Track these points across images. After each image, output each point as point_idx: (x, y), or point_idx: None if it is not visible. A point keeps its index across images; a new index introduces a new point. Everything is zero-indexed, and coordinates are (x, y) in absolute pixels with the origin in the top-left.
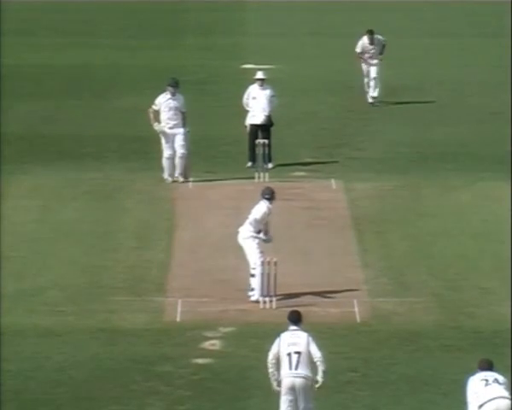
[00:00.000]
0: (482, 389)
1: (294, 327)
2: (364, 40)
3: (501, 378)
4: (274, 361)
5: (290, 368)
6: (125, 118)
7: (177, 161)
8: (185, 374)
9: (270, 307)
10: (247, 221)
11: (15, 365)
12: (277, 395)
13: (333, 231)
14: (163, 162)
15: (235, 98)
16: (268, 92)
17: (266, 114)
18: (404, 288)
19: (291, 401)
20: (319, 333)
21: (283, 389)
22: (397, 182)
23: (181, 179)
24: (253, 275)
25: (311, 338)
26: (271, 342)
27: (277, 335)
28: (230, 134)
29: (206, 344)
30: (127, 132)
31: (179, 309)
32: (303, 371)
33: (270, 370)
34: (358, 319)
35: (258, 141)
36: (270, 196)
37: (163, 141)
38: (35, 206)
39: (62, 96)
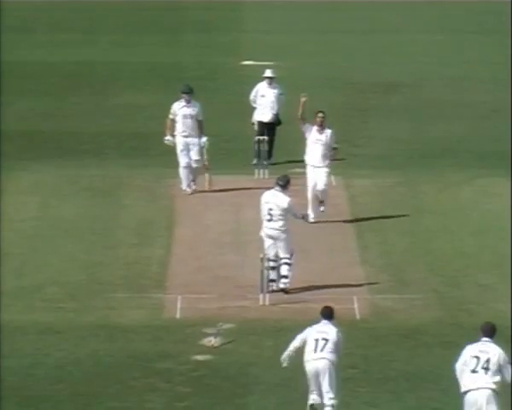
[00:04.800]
0: (468, 373)
1: (326, 321)
2: (313, 129)
3: (493, 361)
4: (297, 345)
5: (315, 351)
6: (125, 115)
7: (193, 170)
8: (185, 371)
9: (264, 304)
10: (276, 216)
11: (15, 361)
12: (277, 391)
13: (332, 227)
14: (180, 172)
15: (234, 95)
16: (276, 91)
17: (274, 112)
18: (404, 284)
19: (317, 377)
20: None
21: (308, 372)
22: (396, 178)
23: (194, 187)
24: (288, 263)
25: (340, 334)
26: (271, 339)
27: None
28: (229, 131)
29: (206, 341)
30: (126, 129)
31: (179, 306)
32: (327, 354)
33: (290, 348)
34: (358, 316)
35: (257, 138)
36: (284, 183)
37: (178, 150)
38: (34, 202)
39: (62, 93)
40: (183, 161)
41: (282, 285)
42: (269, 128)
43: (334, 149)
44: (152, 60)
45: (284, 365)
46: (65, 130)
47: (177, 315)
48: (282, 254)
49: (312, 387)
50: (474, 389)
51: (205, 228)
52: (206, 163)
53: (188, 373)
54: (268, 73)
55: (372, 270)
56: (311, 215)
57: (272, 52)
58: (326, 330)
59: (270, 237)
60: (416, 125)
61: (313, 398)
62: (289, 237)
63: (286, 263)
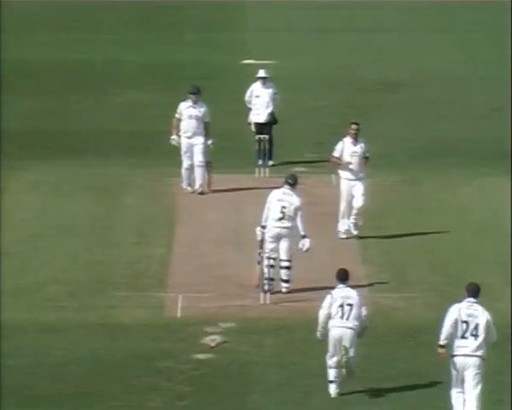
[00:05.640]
0: (458, 338)
1: (343, 285)
2: (346, 142)
3: (481, 326)
4: (324, 319)
5: (342, 318)
6: (126, 113)
7: (196, 170)
8: (185, 369)
9: (264, 303)
10: (288, 215)
11: (16, 360)
12: (278, 390)
13: (333, 226)
14: (182, 172)
15: (235, 94)
16: (271, 90)
17: (269, 112)
18: (405, 283)
19: (339, 343)
20: None
21: (332, 337)
22: (397, 177)
23: (199, 190)
24: (288, 267)
25: (360, 295)
26: (271, 338)
27: (328, 293)
28: (230, 130)
29: (207, 340)
30: (128, 128)
31: (179, 305)
32: (352, 322)
33: (320, 326)
34: None
35: (258, 136)
36: (294, 182)
37: (182, 151)
38: (35, 201)
39: (62, 92)
40: (185, 162)
41: (284, 290)
42: (265, 128)
43: (366, 158)
44: (153, 58)
45: (321, 339)
46: (65, 129)
47: (178, 314)
48: (283, 256)
49: (332, 351)
50: (463, 355)
51: (206, 227)
52: (209, 165)
53: (189, 372)
54: (261, 73)
55: (373, 269)
56: (341, 230)
57: (273, 51)
58: (349, 295)
59: (277, 236)
60: (417, 124)
61: (334, 391)
62: (294, 238)
63: (286, 267)
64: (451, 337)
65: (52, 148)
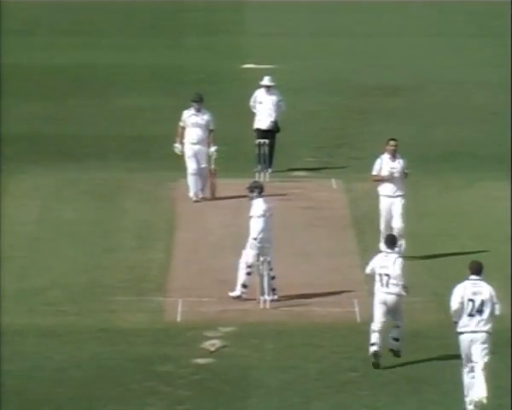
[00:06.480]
0: (465, 316)
1: (389, 250)
2: (384, 158)
3: (486, 301)
4: (369, 272)
5: (382, 286)
6: (126, 118)
7: (201, 177)
8: (185, 374)
9: (264, 307)
10: (270, 225)
11: (16, 365)
12: (278, 394)
13: (333, 230)
14: (188, 179)
15: (234, 98)
16: (275, 98)
17: (272, 119)
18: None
19: (383, 309)
20: (320, 333)
21: (376, 301)
22: None
23: (201, 196)
24: (274, 277)
25: (399, 260)
26: (271, 342)
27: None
28: (230, 134)
29: (207, 344)
30: (127, 132)
31: (179, 309)
32: (392, 289)
33: (369, 267)
34: (359, 319)
35: (258, 141)
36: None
37: (186, 156)
38: (35, 206)
39: (62, 96)
40: (190, 167)
41: (276, 296)
42: (267, 135)
43: (406, 174)
44: (153, 63)
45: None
46: (65, 133)
47: (178, 318)
48: (271, 265)
49: (378, 310)
50: (470, 332)
51: (205, 231)
52: (212, 172)
53: (188, 376)
54: (266, 81)
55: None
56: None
57: (273, 55)
58: (386, 264)
59: (270, 243)
60: (417, 128)
61: (374, 350)
62: None
63: (274, 277)
64: (459, 316)
65: (52, 152)
